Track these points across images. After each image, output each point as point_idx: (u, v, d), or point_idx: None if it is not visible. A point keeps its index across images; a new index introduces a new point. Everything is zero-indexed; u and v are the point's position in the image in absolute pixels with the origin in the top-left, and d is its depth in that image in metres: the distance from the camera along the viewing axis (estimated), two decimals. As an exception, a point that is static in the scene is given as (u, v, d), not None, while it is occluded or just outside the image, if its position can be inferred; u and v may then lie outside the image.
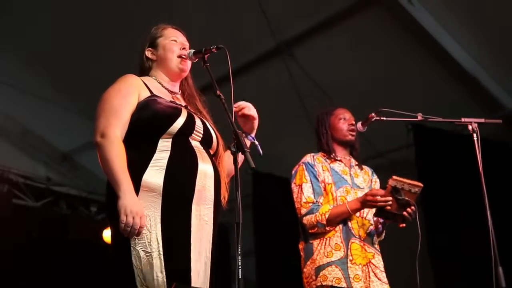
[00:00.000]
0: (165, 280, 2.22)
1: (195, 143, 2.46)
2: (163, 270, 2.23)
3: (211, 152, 2.54)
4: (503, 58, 5.69)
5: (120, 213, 2.20)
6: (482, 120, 3.12)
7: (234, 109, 2.52)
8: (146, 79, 2.58)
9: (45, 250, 6.95)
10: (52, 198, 7.38)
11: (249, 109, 2.60)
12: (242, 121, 2.63)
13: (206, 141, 2.51)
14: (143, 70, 2.66)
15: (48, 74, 6.66)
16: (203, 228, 2.39)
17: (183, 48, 2.63)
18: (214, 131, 2.58)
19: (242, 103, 2.60)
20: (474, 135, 3.04)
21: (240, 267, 2.16)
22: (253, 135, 2.65)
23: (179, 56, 2.61)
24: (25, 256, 6.70)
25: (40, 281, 6.69)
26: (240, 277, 2.15)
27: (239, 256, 2.16)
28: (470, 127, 3.06)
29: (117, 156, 2.29)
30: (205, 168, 2.42)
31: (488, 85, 5.86)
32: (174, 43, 2.63)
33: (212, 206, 2.44)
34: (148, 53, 2.65)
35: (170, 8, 5.39)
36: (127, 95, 2.43)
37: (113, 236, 2.36)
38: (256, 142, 2.59)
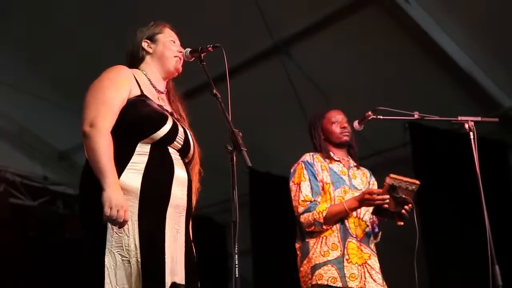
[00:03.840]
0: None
1: (173, 151, 2.45)
2: (141, 277, 2.20)
3: (186, 160, 2.53)
4: (499, 57, 5.70)
5: (104, 205, 2.15)
6: (479, 119, 3.12)
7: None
8: (136, 72, 2.55)
9: (42, 249, 6.95)
10: (49, 197, 7.38)
11: None
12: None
13: (184, 150, 2.50)
14: (134, 59, 2.62)
15: (45, 73, 6.66)
16: (176, 236, 2.37)
17: (180, 51, 2.63)
18: (193, 140, 2.57)
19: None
20: (471, 133, 3.04)
21: (237, 265, 2.16)
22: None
23: (175, 57, 2.61)
24: (22, 255, 6.69)
25: (38, 280, 6.69)
26: (237, 275, 2.15)
27: (236, 255, 2.17)
28: (466, 126, 3.07)
29: (105, 147, 2.25)
30: (180, 175, 2.42)
31: (485, 84, 5.87)
32: (173, 43, 2.64)
33: (184, 215, 2.43)
34: (144, 44, 2.62)
35: (169, 7, 5.39)
36: (120, 88, 2.40)
37: (87, 233, 2.32)
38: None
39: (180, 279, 2.34)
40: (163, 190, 2.35)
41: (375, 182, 3.48)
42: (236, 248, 2.17)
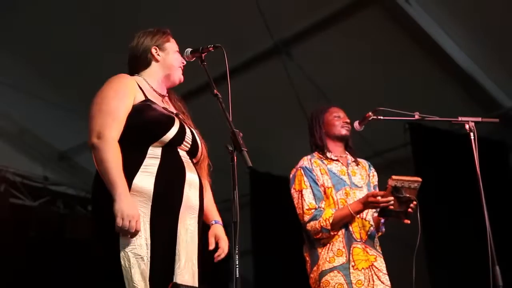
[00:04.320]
0: (148, 286, 2.24)
1: (183, 153, 2.48)
2: (147, 276, 2.25)
3: (195, 161, 2.57)
4: (500, 57, 5.70)
5: (116, 216, 2.19)
6: (479, 119, 3.12)
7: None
8: (138, 80, 2.57)
9: (42, 249, 6.94)
10: (49, 197, 7.38)
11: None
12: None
13: (192, 151, 2.54)
14: (139, 63, 2.63)
15: (45, 74, 6.65)
16: (189, 238, 2.40)
17: (183, 62, 2.67)
18: (200, 140, 2.60)
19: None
20: (471, 134, 3.04)
21: (237, 266, 2.17)
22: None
23: (180, 67, 2.65)
24: (23, 255, 6.69)
25: (38, 280, 6.68)
26: (237, 276, 2.16)
27: (237, 255, 2.17)
28: (467, 126, 3.07)
29: (114, 158, 2.28)
30: (191, 178, 2.45)
31: (485, 84, 5.87)
32: (178, 53, 2.67)
33: (197, 216, 2.47)
34: (154, 51, 2.63)
35: (169, 7, 5.39)
36: (124, 97, 2.42)
37: (100, 236, 2.36)
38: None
39: (194, 280, 2.38)
40: (176, 192, 2.39)
41: (375, 173, 3.47)
42: (237, 248, 2.17)
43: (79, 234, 7.32)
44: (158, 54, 2.63)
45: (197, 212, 2.47)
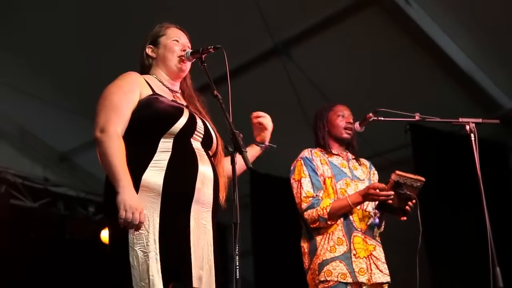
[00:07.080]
0: (161, 280, 2.21)
1: (196, 144, 2.45)
2: (159, 270, 2.22)
3: (211, 153, 2.54)
4: (500, 58, 5.70)
5: (119, 208, 2.17)
6: (480, 120, 3.12)
7: (252, 115, 2.76)
8: (147, 77, 2.57)
9: (43, 250, 6.94)
10: (49, 198, 7.38)
11: (266, 118, 2.80)
12: (257, 129, 2.82)
13: (206, 142, 2.51)
14: (143, 67, 2.65)
15: (46, 74, 6.65)
16: (203, 232, 2.38)
17: (184, 50, 2.62)
18: (214, 132, 2.58)
19: (261, 113, 2.80)
20: (472, 135, 3.04)
21: (238, 267, 2.17)
22: (266, 143, 2.84)
23: (179, 57, 2.60)
24: (23, 256, 6.69)
25: (38, 281, 6.68)
26: (238, 277, 2.16)
27: (237, 256, 2.17)
28: (467, 127, 3.07)
29: (117, 151, 2.27)
30: (204, 170, 2.41)
31: (486, 85, 5.88)
32: (176, 43, 2.63)
33: (211, 210, 2.43)
34: (148, 50, 2.64)
35: (169, 7, 5.39)
36: (128, 92, 2.42)
37: (111, 235, 2.35)
38: (269, 145, 2.85)
39: (211, 275, 2.37)
40: (187, 186, 2.35)
41: (376, 172, 3.48)
42: (237, 249, 2.17)
43: (80, 235, 7.33)
44: (153, 52, 2.64)
45: (211, 206, 2.43)
